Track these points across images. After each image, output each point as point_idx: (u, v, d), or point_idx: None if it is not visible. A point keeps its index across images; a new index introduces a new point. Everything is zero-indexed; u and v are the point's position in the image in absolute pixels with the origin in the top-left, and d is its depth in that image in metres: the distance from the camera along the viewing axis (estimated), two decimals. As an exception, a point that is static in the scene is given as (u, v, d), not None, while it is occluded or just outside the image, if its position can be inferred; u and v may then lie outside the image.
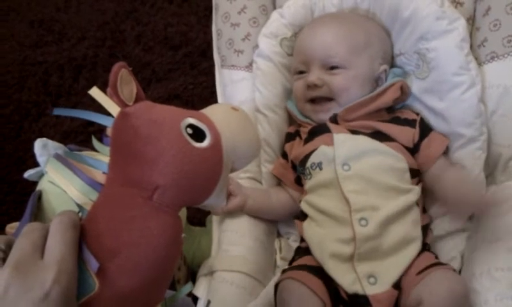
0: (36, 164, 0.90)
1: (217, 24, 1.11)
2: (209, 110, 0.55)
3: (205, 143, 0.50)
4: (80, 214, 0.50)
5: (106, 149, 0.50)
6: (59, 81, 1.49)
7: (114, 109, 0.49)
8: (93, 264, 0.45)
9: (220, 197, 0.53)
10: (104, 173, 0.50)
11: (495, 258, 0.76)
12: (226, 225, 0.93)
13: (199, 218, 1.13)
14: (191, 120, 0.50)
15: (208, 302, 0.64)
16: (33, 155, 0.88)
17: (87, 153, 0.57)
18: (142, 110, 0.50)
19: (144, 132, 0.48)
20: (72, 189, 0.50)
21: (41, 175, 0.90)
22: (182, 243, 0.51)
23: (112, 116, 0.49)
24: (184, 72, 1.48)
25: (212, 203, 0.53)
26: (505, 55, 0.89)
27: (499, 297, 0.71)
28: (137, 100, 0.51)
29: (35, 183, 0.91)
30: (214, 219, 0.95)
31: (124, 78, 0.49)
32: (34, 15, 1.64)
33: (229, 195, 0.90)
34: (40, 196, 0.86)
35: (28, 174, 0.91)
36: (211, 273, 0.86)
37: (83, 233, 0.47)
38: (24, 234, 0.46)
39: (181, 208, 0.51)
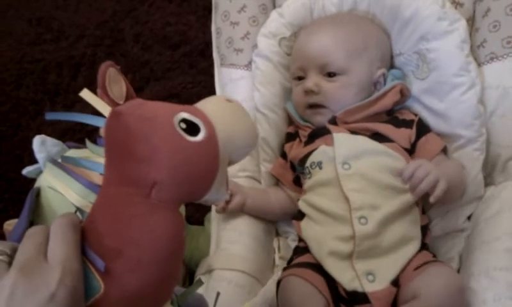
0: (33, 162, 0.89)
1: (217, 23, 1.11)
2: (202, 104, 0.54)
3: (200, 137, 0.49)
4: (80, 217, 0.50)
5: (101, 150, 0.50)
6: (57, 79, 1.49)
7: (105, 109, 0.49)
8: (99, 264, 0.45)
9: (220, 191, 0.52)
10: (100, 174, 0.50)
11: (493, 258, 0.76)
12: (224, 224, 0.93)
13: (197, 217, 1.13)
14: (184, 114, 0.50)
15: (218, 294, 0.64)
16: (31, 153, 0.88)
17: (82, 156, 0.57)
18: (133, 107, 0.49)
19: (136, 130, 0.47)
20: (71, 193, 0.50)
21: (40, 172, 0.89)
22: (185, 239, 0.51)
23: (105, 116, 0.49)
24: (183, 71, 1.47)
25: (213, 198, 0.52)
26: (505, 56, 0.89)
27: (497, 296, 0.72)
28: (127, 98, 0.51)
29: (33, 181, 0.90)
30: (213, 217, 0.95)
31: (113, 77, 0.49)
32: (32, 13, 1.63)
33: (230, 194, 0.90)
34: (37, 193, 0.85)
35: (26, 171, 0.91)
36: (209, 272, 0.86)
37: (84, 235, 0.47)
38: (27, 237, 0.46)
39: (181, 204, 0.51)
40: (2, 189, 1.27)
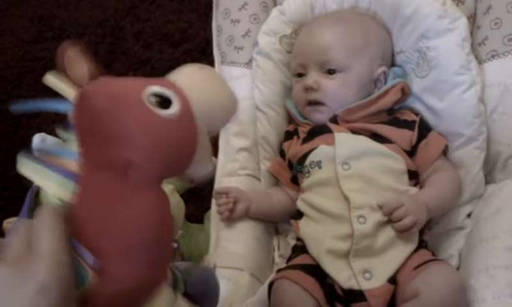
0: (34, 160, 0.89)
1: (218, 20, 1.11)
2: (174, 76, 0.52)
3: (173, 110, 0.47)
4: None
5: (72, 136, 0.48)
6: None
7: (71, 92, 0.47)
8: (89, 259, 0.44)
9: (203, 164, 0.50)
10: (77, 161, 0.47)
11: (493, 256, 0.76)
12: (224, 222, 0.92)
13: (197, 215, 1.13)
14: (154, 88, 0.47)
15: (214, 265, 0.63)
16: (31, 151, 0.87)
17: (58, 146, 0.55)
18: (99, 87, 0.47)
19: (105, 109, 0.45)
20: (50, 185, 0.49)
21: (39, 170, 0.89)
22: (173, 218, 0.50)
23: (72, 100, 0.47)
24: (184, 69, 1.48)
25: (197, 172, 0.50)
26: (506, 54, 0.89)
27: (496, 294, 0.71)
28: (93, 77, 0.48)
29: (33, 179, 0.90)
30: (212, 216, 0.95)
31: (72, 58, 0.47)
32: (33, 11, 1.63)
33: (234, 202, 0.90)
34: (37, 191, 0.85)
35: (26, 169, 0.90)
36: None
37: (69, 226, 0.46)
38: (13, 231, 0.46)
39: (161, 181, 0.49)
40: (1, 187, 1.28)
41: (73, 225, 0.46)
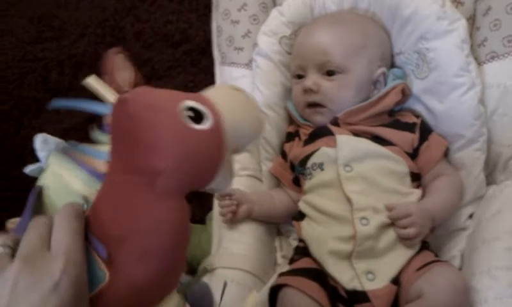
0: (35, 160, 0.89)
1: (218, 21, 1.12)
2: (209, 92, 0.54)
3: (205, 125, 0.48)
4: (85, 205, 0.49)
5: (106, 138, 0.50)
6: (58, 77, 1.48)
7: (111, 96, 0.49)
8: (102, 252, 0.45)
9: (225, 179, 0.52)
10: (106, 162, 0.49)
11: (494, 258, 0.76)
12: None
13: (199, 216, 1.13)
14: (190, 102, 0.49)
15: (225, 284, 0.64)
16: (33, 151, 0.87)
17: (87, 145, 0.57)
18: (139, 95, 0.49)
19: (142, 117, 0.46)
20: (76, 181, 0.50)
21: (42, 171, 0.89)
22: (190, 229, 0.51)
23: (111, 104, 0.49)
24: (184, 70, 1.47)
25: (218, 186, 0.52)
26: (506, 55, 0.89)
27: (499, 295, 0.71)
28: (136, 85, 0.50)
29: (35, 179, 0.90)
30: (215, 216, 0.95)
31: (120, 64, 0.48)
32: (33, 11, 1.63)
33: (236, 204, 0.90)
34: (40, 192, 0.85)
35: (28, 169, 0.90)
36: (211, 270, 0.86)
37: (89, 224, 0.47)
38: (30, 228, 0.46)
39: (186, 193, 0.50)
40: (4, 188, 1.27)
41: (93, 223, 0.47)
